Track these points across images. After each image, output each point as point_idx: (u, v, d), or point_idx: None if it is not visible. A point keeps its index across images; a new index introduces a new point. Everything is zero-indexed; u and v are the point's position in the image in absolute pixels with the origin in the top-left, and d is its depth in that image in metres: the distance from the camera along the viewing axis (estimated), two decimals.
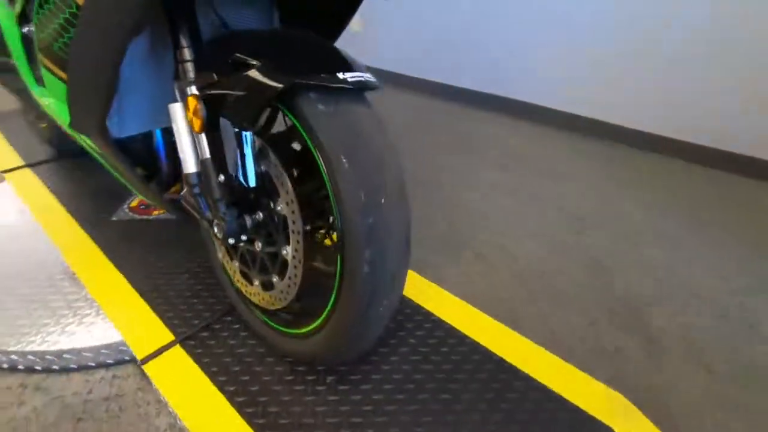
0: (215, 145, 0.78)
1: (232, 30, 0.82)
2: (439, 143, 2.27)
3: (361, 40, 3.12)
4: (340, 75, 0.67)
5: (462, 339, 1.08)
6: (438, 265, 1.42)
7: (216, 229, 0.83)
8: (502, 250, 1.50)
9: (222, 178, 0.79)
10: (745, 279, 1.41)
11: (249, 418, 0.88)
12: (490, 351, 1.06)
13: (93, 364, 1.05)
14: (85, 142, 0.97)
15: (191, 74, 0.75)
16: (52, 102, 1.04)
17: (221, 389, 0.94)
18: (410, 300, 1.19)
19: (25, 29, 1.15)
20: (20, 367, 1.03)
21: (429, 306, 1.18)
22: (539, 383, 0.98)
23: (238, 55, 0.71)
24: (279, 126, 0.85)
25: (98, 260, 1.27)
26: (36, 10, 0.91)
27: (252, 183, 0.80)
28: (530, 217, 1.69)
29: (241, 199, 0.83)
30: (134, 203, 1.53)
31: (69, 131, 0.98)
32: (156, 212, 1.50)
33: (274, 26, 0.91)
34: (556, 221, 1.66)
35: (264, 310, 0.99)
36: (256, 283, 0.94)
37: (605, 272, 1.41)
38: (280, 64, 0.69)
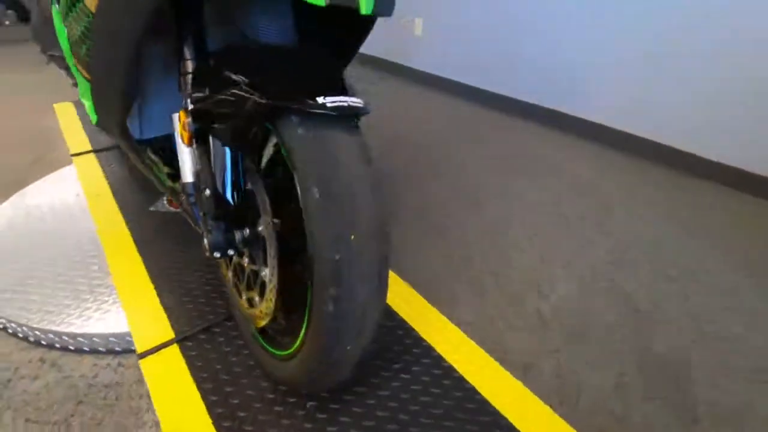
0: (207, 158, 0.77)
1: (237, 44, 0.81)
2: (487, 158, 2.16)
3: (420, 44, 3.05)
4: (324, 99, 0.63)
5: (459, 382, 1.00)
6: (454, 296, 1.33)
7: (204, 240, 0.83)
8: (530, 286, 1.38)
9: (208, 192, 0.79)
10: None
11: None
12: (487, 401, 0.96)
13: (102, 350, 1.11)
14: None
15: (189, 87, 0.75)
16: (85, 99, 1.12)
17: (204, 397, 0.94)
18: (413, 330, 1.13)
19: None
20: (42, 342, 1.11)
21: (432, 340, 1.10)
22: None
23: (227, 72, 0.69)
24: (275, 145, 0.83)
25: (127, 248, 1.35)
26: (66, 13, 0.97)
27: (237, 200, 0.79)
28: (571, 247, 1.53)
29: (229, 215, 0.82)
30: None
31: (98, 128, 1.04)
32: None
33: (289, 42, 0.88)
34: (602, 255, 1.50)
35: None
36: (244, 297, 0.93)
37: (642, 318, 1.24)
38: (268, 83, 0.66)
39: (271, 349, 0.90)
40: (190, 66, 0.75)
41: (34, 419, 0.97)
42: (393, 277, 1.30)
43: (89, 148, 1.93)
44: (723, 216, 1.76)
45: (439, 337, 1.11)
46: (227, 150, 0.76)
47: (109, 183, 1.68)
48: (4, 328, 1.14)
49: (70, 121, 2.29)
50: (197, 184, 0.79)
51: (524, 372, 1.09)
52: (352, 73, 3.38)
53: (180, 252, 1.34)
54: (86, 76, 0.96)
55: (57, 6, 1.10)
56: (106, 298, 1.18)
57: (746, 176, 1.88)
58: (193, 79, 0.76)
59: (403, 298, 1.23)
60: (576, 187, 1.93)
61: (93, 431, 0.95)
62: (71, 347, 1.11)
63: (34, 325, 1.10)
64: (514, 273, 1.43)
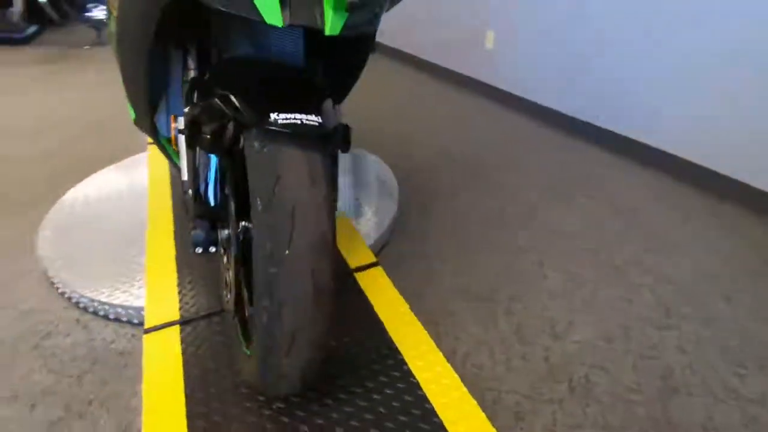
0: (194, 161, 0.84)
1: (235, 58, 0.85)
2: (537, 178, 2.02)
3: (491, 58, 2.94)
4: (278, 116, 0.65)
5: (428, 415, 0.96)
6: (459, 321, 1.28)
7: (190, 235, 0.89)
8: (545, 324, 1.27)
9: (191, 192, 0.85)
10: None
11: (192, 420, 0.93)
12: None
13: (124, 319, 1.24)
14: None
15: (185, 94, 0.82)
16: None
17: (186, 381, 1.01)
18: (398, 353, 1.10)
19: None
20: (81, 305, 1.28)
21: (414, 366, 1.07)
22: None
23: (213, 83, 0.74)
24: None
25: (166, 233, 1.49)
26: (108, 16, 1.10)
27: (217, 202, 0.84)
28: (605, 288, 1.38)
29: (213, 215, 0.87)
30: None
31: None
32: None
33: (297, 62, 0.90)
34: (642, 309, 1.33)
35: None
36: (224, 292, 0.99)
37: (673, 393, 1.08)
38: (244, 97, 0.70)
39: (243, 346, 0.95)
40: (190, 75, 0.82)
41: (56, 370, 1.12)
42: (389, 294, 1.28)
43: None
44: None
45: (422, 363, 1.08)
46: (212, 155, 0.82)
47: (171, 171, 1.87)
48: (58, 289, 1.33)
49: None
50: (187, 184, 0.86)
51: (515, 419, 1.02)
52: (419, 81, 3.36)
53: None
54: (122, 75, 1.08)
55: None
56: (139, 276, 1.31)
57: None
58: (190, 87, 0.82)
59: (398, 317, 1.20)
60: (628, 219, 1.73)
61: (97, 391, 1.07)
62: (101, 313, 1.26)
63: (78, 290, 1.27)
64: (532, 306, 1.33)
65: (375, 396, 0.99)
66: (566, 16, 2.40)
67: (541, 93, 2.65)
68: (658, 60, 2.05)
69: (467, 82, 3.20)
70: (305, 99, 0.70)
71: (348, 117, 2.80)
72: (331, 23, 0.66)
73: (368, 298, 1.24)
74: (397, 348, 1.10)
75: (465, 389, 1.01)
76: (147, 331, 1.13)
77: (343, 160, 2.04)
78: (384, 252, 1.56)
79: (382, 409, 0.96)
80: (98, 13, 4.16)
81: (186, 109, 0.82)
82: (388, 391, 1.00)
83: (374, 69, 3.85)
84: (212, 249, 0.89)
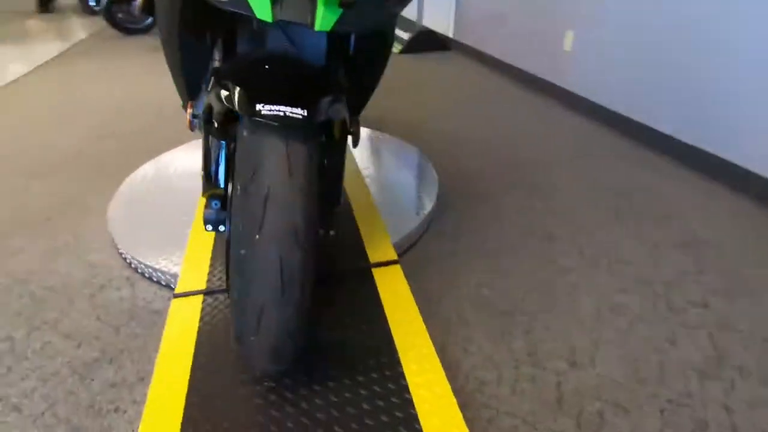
0: (207, 146, 0.90)
1: (251, 53, 0.90)
2: (600, 191, 1.86)
3: (570, 61, 2.75)
4: (263, 107, 0.68)
5: (410, 420, 0.94)
6: (472, 334, 1.23)
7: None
8: (571, 365, 1.18)
9: (203, 173, 0.91)
10: None
11: (190, 393, 0.98)
12: None
13: (163, 283, 1.38)
14: None
15: (208, 84, 0.89)
16: None
17: (195, 354, 1.09)
18: (396, 352, 1.08)
19: None
20: (133, 266, 1.45)
21: (409, 369, 1.04)
22: None
23: (224, 74, 0.79)
24: None
25: None
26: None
27: (224, 184, 0.89)
28: (652, 336, 1.24)
29: (221, 196, 0.93)
30: None
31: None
32: None
33: (313, 55, 0.93)
34: (696, 356, 1.18)
35: None
36: None
37: None
38: (244, 88, 0.74)
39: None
40: (213, 65, 0.89)
41: (102, 319, 1.28)
42: (401, 294, 1.26)
43: None
44: None
45: (417, 368, 1.06)
46: (223, 141, 0.88)
47: None
48: (117, 248, 1.51)
49: None
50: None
51: None
52: (489, 80, 3.24)
53: None
54: None
55: None
56: (183, 246, 1.45)
57: None
58: (210, 77, 0.88)
59: (405, 319, 1.19)
60: (700, 250, 1.53)
61: (129, 342, 1.21)
62: (146, 275, 1.41)
63: (132, 252, 1.43)
64: (556, 329, 1.24)
65: (362, 391, 0.99)
66: (659, 19, 2.17)
67: (620, 100, 2.42)
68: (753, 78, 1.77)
69: (541, 84, 3.03)
70: (297, 93, 0.72)
71: (405, 110, 2.78)
72: (321, 20, 0.67)
73: (380, 295, 1.24)
74: (395, 348, 1.10)
75: (454, 400, 0.97)
76: (175, 296, 1.24)
77: (385, 151, 2.05)
78: (413, 249, 1.55)
79: (365, 405, 0.97)
80: None
81: (204, 97, 0.89)
82: (376, 389, 1.00)
83: (444, 65, 3.80)
84: (221, 228, 0.96)
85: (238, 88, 0.72)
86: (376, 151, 2.06)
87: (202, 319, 1.18)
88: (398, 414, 0.95)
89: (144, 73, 3.68)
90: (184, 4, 0.78)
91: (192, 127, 0.89)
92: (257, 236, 0.68)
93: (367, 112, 2.71)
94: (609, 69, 2.48)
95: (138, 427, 0.94)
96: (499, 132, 2.51)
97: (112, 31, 5.09)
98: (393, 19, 0.92)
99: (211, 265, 1.35)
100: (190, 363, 1.06)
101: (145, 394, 1.06)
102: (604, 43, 2.48)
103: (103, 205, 1.79)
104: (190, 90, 1.03)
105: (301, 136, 0.73)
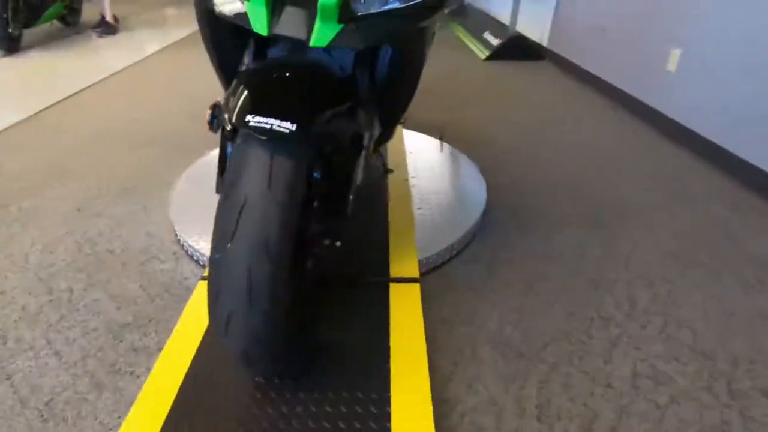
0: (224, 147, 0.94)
1: (276, 59, 0.91)
2: (680, 236, 1.63)
3: (673, 83, 2.42)
4: (252, 118, 0.69)
5: None
6: (483, 392, 1.15)
7: None
8: (583, 431, 1.05)
9: (218, 173, 0.95)
10: None
11: (187, 376, 1.04)
12: None
13: (201, 263, 1.48)
14: None
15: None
16: None
17: (203, 336, 1.15)
18: (388, 390, 1.02)
19: None
20: (180, 242, 1.57)
21: (398, 411, 0.99)
22: None
23: (240, 81, 0.81)
24: None
25: None
26: None
27: None
28: (701, 421, 1.06)
29: None
30: None
31: None
32: None
33: (335, 67, 0.92)
34: None
35: None
36: None
37: None
38: (243, 97, 0.75)
39: None
40: (241, 68, 0.92)
41: (143, 287, 1.41)
42: (413, 317, 1.21)
43: None
44: None
45: (405, 397, 1.01)
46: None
47: None
48: (174, 229, 1.65)
49: None
50: None
51: None
52: (578, 97, 2.97)
53: None
54: None
55: None
56: None
57: None
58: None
59: (409, 344, 1.14)
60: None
61: (158, 312, 1.32)
62: (189, 252, 1.52)
63: (180, 229, 1.56)
64: (577, 387, 1.11)
65: (343, 408, 0.98)
66: None
67: (731, 135, 2.09)
68: None
69: (638, 107, 2.73)
70: (291, 105, 0.72)
71: (479, 123, 2.67)
72: (317, 35, 0.66)
73: (389, 313, 1.21)
74: (389, 371, 1.06)
75: None
76: (203, 278, 1.33)
77: (440, 162, 1.99)
78: (444, 268, 1.48)
79: (342, 424, 0.95)
80: None
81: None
82: (357, 409, 0.98)
83: (534, 76, 3.57)
84: None
85: (238, 96, 0.74)
86: (430, 161, 2.01)
87: None
88: None
89: None
90: (212, 9, 0.83)
91: (211, 128, 0.94)
92: (229, 244, 0.70)
93: (439, 118, 2.65)
94: (720, 96, 2.15)
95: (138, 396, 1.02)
96: (580, 158, 2.31)
97: None
98: (415, 34, 0.88)
99: None
100: (197, 344, 1.12)
101: None
102: (717, 66, 2.15)
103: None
104: (225, 84, 1.08)
105: (289, 150, 0.73)
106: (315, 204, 0.88)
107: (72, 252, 1.55)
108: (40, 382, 1.11)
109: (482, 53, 4.15)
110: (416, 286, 1.30)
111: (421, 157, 2.05)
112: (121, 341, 1.22)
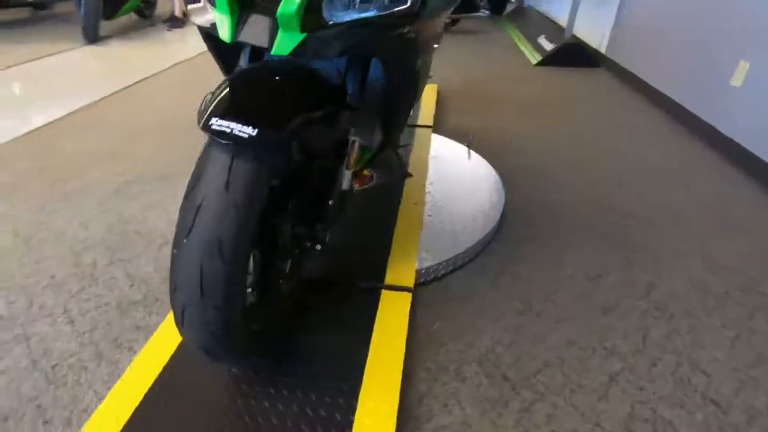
0: None
1: (265, 62, 0.91)
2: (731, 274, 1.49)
3: (737, 100, 2.19)
4: (214, 121, 0.70)
5: None
6: (459, 413, 1.11)
7: None
8: None
9: None
10: None
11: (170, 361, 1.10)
12: None
13: None
14: None
15: None
16: None
17: None
18: (356, 398, 1.01)
19: None
20: None
21: (362, 419, 0.97)
22: None
23: (229, 81, 0.83)
24: None
25: None
26: None
27: None
28: None
29: None
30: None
31: None
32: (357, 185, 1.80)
33: (328, 74, 0.92)
34: None
35: None
36: None
37: None
38: (217, 100, 0.77)
39: None
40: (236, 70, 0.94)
41: (157, 269, 1.50)
42: (398, 326, 1.20)
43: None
44: None
45: (372, 406, 1.00)
46: None
47: None
48: None
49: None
50: None
51: None
52: (630, 108, 2.76)
53: None
54: None
55: None
56: None
57: None
58: None
59: (387, 353, 1.13)
60: None
61: (165, 296, 1.39)
62: None
63: None
64: (565, 421, 1.05)
65: (308, 410, 0.99)
66: None
67: None
68: None
69: (696, 124, 2.49)
70: (258, 110, 0.73)
71: (520, 130, 2.55)
72: (279, 44, 0.66)
73: (375, 319, 1.21)
74: (361, 379, 1.06)
75: None
76: None
77: (462, 169, 1.93)
78: (445, 279, 1.45)
79: (303, 426, 0.96)
80: None
81: None
82: (322, 413, 0.98)
83: (588, 84, 3.36)
84: None
85: (211, 99, 0.76)
86: (452, 168, 1.97)
87: None
88: None
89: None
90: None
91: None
92: (185, 240, 0.73)
93: (473, 124, 2.57)
94: None
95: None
96: (618, 173, 2.16)
97: None
98: (395, 43, 0.85)
99: None
100: (167, 353, 1.17)
101: None
102: None
103: None
104: None
105: (250, 154, 0.74)
106: (290, 207, 0.89)
107: (103, 230, 1.68)
108: (51, 347, 1.22)
109: (534, 58, 3.98)
110: (408, 296, 1.28)
111: (444, 163, 2.01)
112: (127, 318, 1.31)
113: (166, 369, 1.07)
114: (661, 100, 2.86)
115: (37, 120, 2.61)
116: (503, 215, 1.75)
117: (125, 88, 3.23)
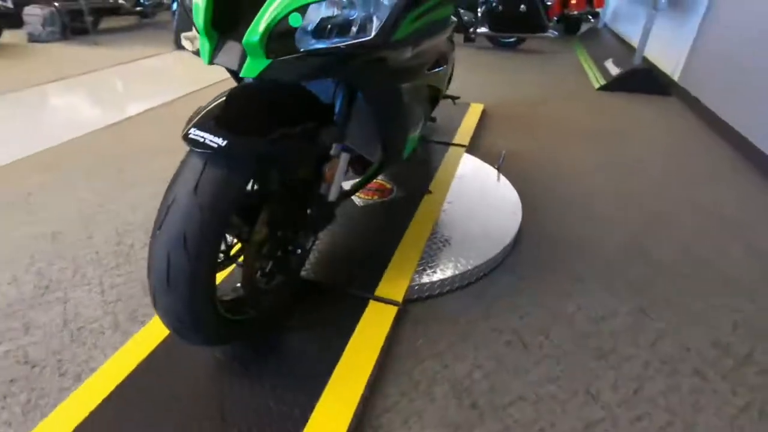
0: None
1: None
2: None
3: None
4: (191, 130, 0.80)
5: None
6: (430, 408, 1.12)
7: None
8: None
9: None
10: None
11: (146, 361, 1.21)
12: None
13: None
14: None
15: None
16: None
17: None
18: (312, 409, 1.06)
19: None
20: None
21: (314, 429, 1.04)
22: None
23: (226, 93, 0.93)
24: None
25: None
26: None
27: None
28: None
29: None
30: None
31: None
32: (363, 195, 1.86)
33: (321, 93, 0.99)
34: None
35: None
36: None
37: None
38: (199, 112, 0.87)
39: None
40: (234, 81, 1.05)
41: None
42: (376, 340, 1.23)
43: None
44: None
45: (327, 415, 1.05)
46: None
47: None
48: None
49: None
50: None
51: None
52: (715, 157, 2.52)
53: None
54: None
55: None
56: None
57: None
58: None
59: (357, 364, 1.17)
60: None
61: None
62: None
63: None
64: None
65: (271, 403, 1.06)
66: None
67: None
68: None
69: (765, 164, 2.24)
70: (231, 123, 0.82)
71: (570, 163, 2.46)
72: (247, 67, 0.75)
73: (354, 329, 1.25)
74: (327, 381, 1.10)
75: None
76: None
77: (485, 190, 1.91)
78: (443, 297, 1.46)
79: (264, 416, 1.03)
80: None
81: None
82: (283, 408, 1.04)
83: (655, 116, 3.13)
84: None
85: (197, 111, 0.87)
86: (474, 189, 1.96)
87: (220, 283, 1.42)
88: None
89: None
90: None
91: None
92: (158, 231, 0.83)
93: (512, 146, 2.52)
94: None
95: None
96: (659, 213, 2.01)
97: None
98: (366, 70, 0.90)
99: None
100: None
101: None
102: None
103: None
104: None
105: (221, 162, 0.83)
106: (268, 212, 0.97)
107: (148, 215, 1.89)
108: (82, 311, 1.40)
109: (597, 82, 3.80)
110: (393, 309, 1.31)
111: (468, 183, 2.01)
112: (147, 296, 1.47)
113: (159, 347, 1.19)
114: (736, 139, 2.60)
115: (117, 115, 2.99)
116: (518, 243, 1.72)
117: (199, 89, 3.58)
